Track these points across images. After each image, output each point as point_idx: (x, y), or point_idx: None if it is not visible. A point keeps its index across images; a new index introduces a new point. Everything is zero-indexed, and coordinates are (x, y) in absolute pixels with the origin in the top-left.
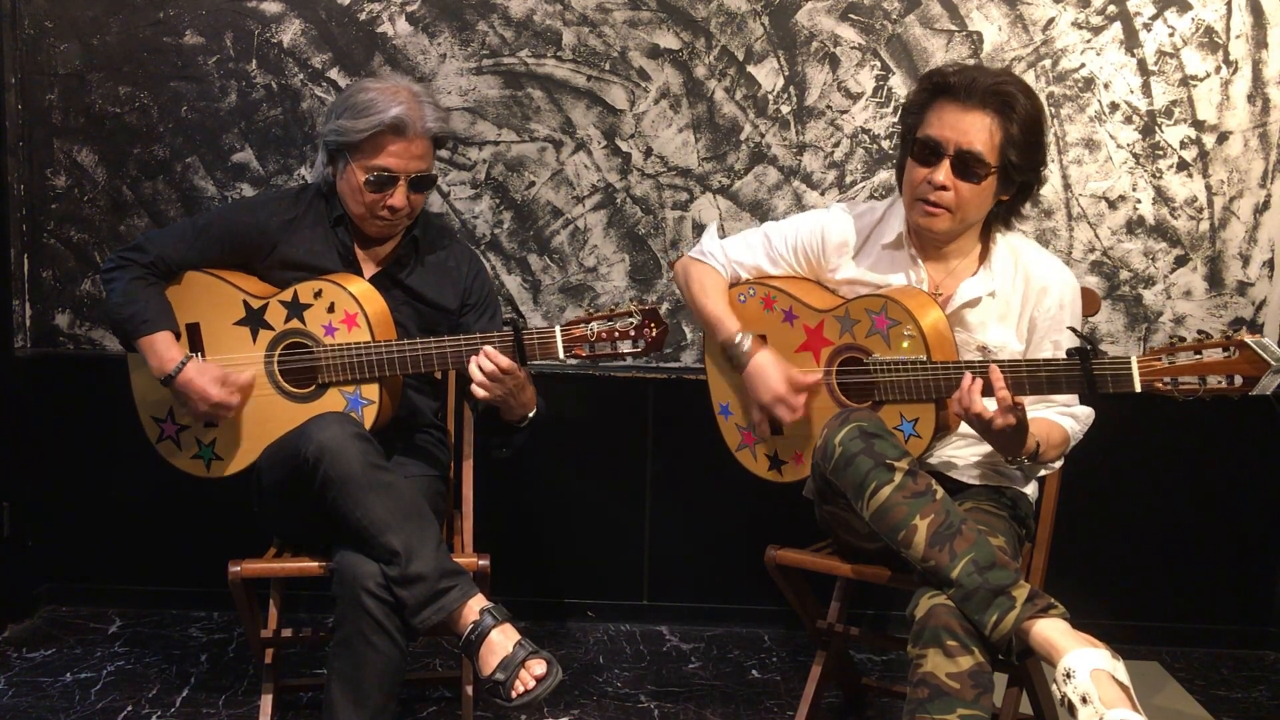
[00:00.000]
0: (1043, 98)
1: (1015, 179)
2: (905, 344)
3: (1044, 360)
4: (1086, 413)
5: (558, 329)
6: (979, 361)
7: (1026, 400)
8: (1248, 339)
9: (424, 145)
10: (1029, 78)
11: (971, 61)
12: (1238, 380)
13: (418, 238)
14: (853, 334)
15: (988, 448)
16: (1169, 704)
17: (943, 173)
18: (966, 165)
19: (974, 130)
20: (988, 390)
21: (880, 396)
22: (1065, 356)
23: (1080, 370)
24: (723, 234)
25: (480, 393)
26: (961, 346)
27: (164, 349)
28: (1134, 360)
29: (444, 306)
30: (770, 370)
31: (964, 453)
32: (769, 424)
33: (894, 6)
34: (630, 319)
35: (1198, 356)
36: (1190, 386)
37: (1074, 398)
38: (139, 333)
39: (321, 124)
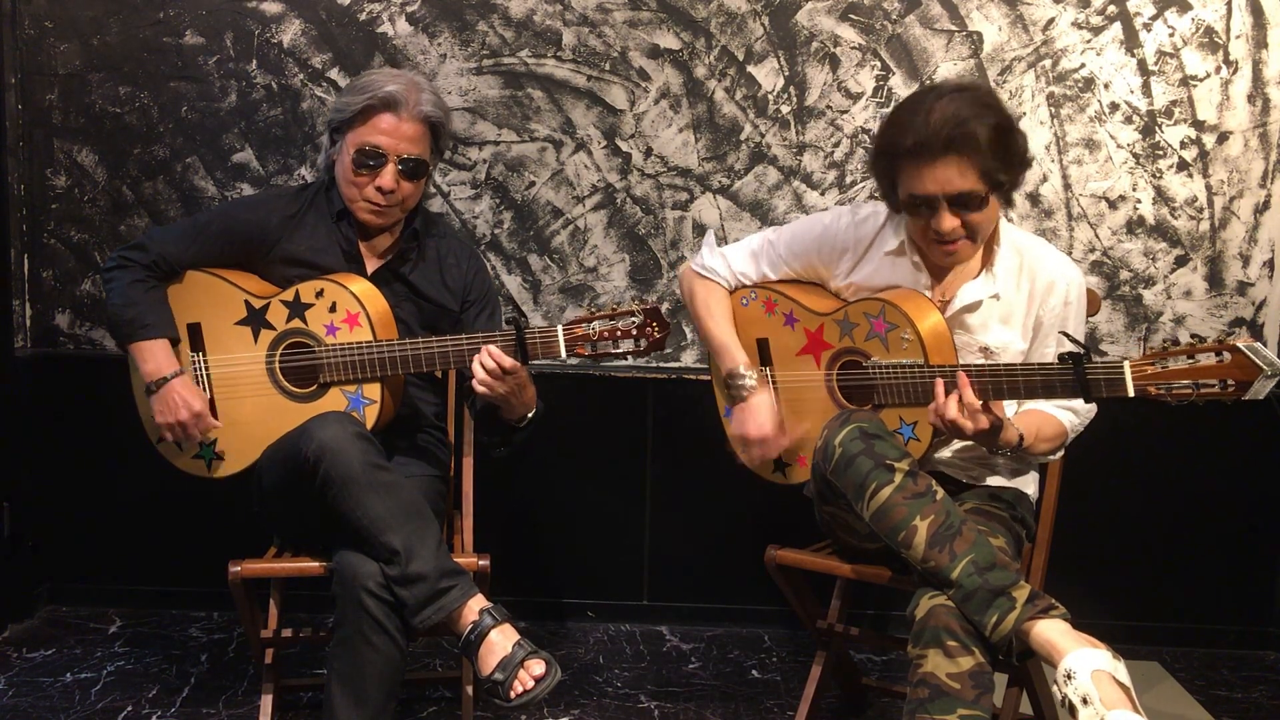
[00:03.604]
0: (1042, 97)
1: (1009, 183)
2: (904, 347)
3: (1038, 365)
4: (1087, 408)
5: (559, 328)
6: (976, 365)
7: (1022, 399)
8: (1240, 344)
9: (416, 128)
10: (1029, 78)
11: (970, 62)
12: (1230, 385)
13: (419, 231)
14: (852, 337)
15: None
16: (1169, 704)
17: (945, 220)
18: (964, 202)
19: (951, 177)
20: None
21: (880, 400)
22: (1059, 361)
23: (1074, 375)
24: (722, 242)
25: (481, 390)
26: (963, 348)
27: (162, 355)
28: (1127, 365)
29: (445, 304)
30: (765, 413)
31: (964, 453)
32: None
33: (894, 6)
34: (632, 318)
35: (1190, 361)
36: (1183, 391)
37: None
38: (137, 336)
39: (329, 110)
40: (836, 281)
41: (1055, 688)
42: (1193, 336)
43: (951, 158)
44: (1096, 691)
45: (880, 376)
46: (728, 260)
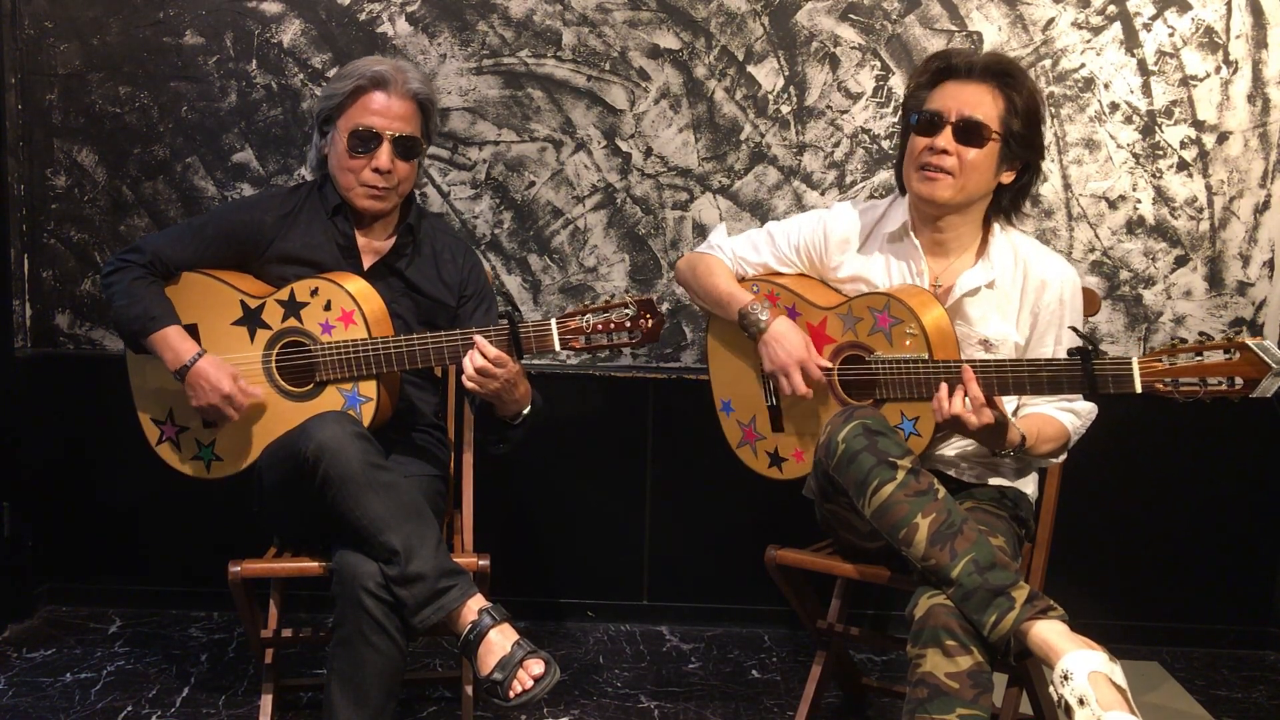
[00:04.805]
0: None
1: (1017, 153)
2: (908, 342)
3: (1045, 360)
4: (1088, 408)
5: (553, 321)
6: (981, 360)
7: (1027, 395)
8: (1249, 341)
9: (407, 106)
10: None
11: None
12: (1238, 382)
13: (413, 226)
14: (855, 331)
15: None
16: (1169, 704)
17: (944, 138)
18: (968, 131)
19: (975, 99)
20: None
21: (881, 394)
22: (1066, 356)
23: (1081, 370)
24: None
25: (471, 386)
26: (963, 340)
27: (178, 342)
28: (1135, 361)
29: (441, 299)
30: (793, 335)
31: (965, 451)
32: (770, 420)
33: (894, 6)
34: (625, 310)
35: (1198, 358)
36: (1191, 388)
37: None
38: (149, 330)
39: (316, 102)
40: (836, 273)
41: (1052, 688)
42: (1200, 335)
43: (987, 85)
44: (1093, 693)
45: (884, 371)
46: (731, 246)
